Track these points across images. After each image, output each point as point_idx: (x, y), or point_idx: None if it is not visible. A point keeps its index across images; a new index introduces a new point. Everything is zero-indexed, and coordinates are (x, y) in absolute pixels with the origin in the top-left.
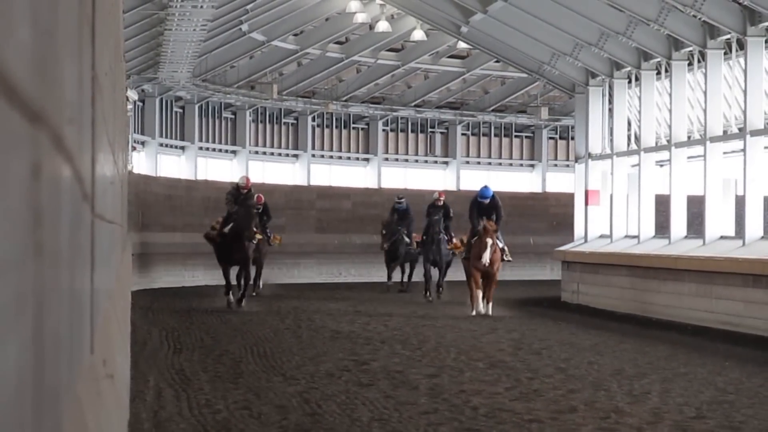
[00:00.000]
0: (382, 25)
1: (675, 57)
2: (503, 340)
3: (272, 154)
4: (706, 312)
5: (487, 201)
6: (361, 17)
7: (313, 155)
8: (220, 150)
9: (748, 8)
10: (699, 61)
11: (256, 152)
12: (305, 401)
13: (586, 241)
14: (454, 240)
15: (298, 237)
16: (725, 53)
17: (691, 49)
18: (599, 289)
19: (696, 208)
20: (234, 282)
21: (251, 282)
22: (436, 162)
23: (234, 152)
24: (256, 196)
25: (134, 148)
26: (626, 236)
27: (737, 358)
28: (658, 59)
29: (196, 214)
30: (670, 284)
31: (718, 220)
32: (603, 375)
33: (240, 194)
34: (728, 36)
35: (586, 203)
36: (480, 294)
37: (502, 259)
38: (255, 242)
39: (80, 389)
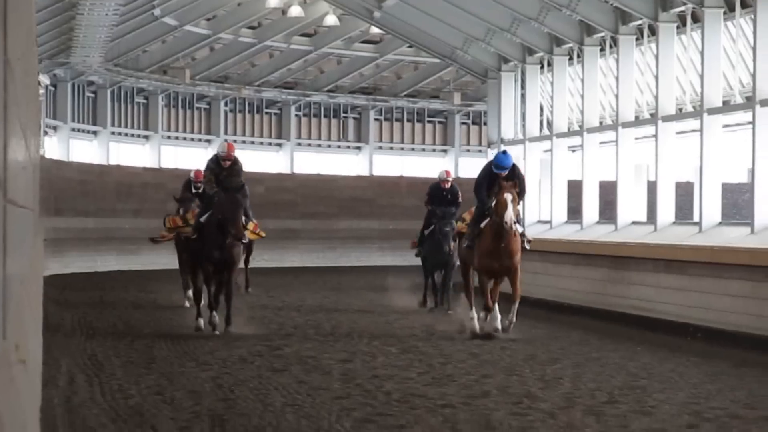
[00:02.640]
0: (295, 10)
1: (587, 42)
2: (416, 325)
3: (185, 139)
4: (618, 297)
5: (505, 173)
6: (273, 2)
7: (226, 140)
8: (133, 135)
9: None
10: (611, 47)
11: (169, 137)
12: (218, 386)
13: None
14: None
15: None
16: (637, 39)
17: (603, 34)
18: None
19: (608, 193)
20: (203, 299)
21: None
22: (348, 147)
23: (146, 137)
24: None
25: (46, 133)
26: (538, 221)
27: (649, 343)
28: (570, 45)
29: (108, 199)
30: (582, 269)
31: (630, 206)
32: (516, 360)
33: (222, 170)
34: (640, 22)
35: None
36: (490, 299)
37: (523, 249)
38: (245, 241)
39: None
